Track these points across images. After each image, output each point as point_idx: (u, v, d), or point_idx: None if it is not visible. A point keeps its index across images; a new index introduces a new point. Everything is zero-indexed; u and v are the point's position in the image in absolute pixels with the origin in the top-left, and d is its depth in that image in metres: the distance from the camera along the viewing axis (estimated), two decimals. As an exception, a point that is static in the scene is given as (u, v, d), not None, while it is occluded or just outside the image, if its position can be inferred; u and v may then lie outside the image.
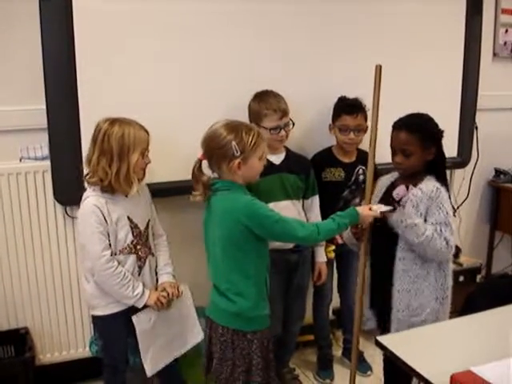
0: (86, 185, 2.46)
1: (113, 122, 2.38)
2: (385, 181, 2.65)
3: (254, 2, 2.97)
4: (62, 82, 2.69)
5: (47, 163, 2.80)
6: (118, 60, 2.76)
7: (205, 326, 2.48)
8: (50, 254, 2.93)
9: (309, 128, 3.18)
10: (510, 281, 2.69)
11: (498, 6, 3.89)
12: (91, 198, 2.39)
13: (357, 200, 3.13)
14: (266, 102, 2.82)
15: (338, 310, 3.47)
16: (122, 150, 2.35)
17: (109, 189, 2.39)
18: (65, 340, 3.06)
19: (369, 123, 2.96)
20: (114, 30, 2.73)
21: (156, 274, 2.65)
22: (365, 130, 3.05)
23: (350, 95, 3.07)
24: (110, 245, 2.41)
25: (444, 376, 1.54)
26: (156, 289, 2.59)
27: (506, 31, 3.94)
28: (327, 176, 3.09)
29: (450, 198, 2.48)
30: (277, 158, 2.91)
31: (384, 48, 3.26)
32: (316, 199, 3.04)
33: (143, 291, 2.47)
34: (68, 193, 2.80)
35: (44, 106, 2.70)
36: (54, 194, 2.83)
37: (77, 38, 2.66)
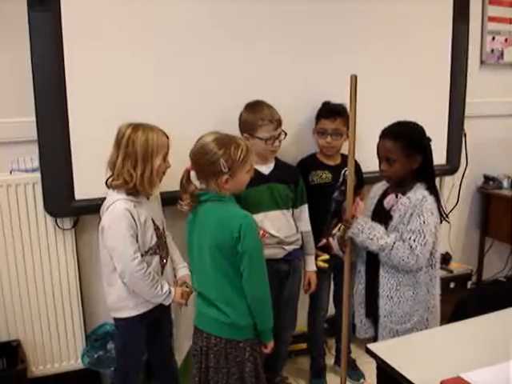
0: (108, 189, 2.47)
1: (136, 127, 2.45)
2: (377, 190, 2.67)
3: (240, 10, 2.99)
4: (52, 94, 2.69)
5: (37, 175, 2.79)
6: (108, 72, 2.76)
7: (193, 336, 2.46)
8: (41, 265, 2.91)
9: (297, 135, 3.20)
10: (501, 287, 2.70)
11: (484, 13, 3.92)
12: (120, 201, 2.42)
13: None
14: (260, 113, 2.84)
15: (331, 319, 3.47)
16: (146, 153, 2.42)
17: (133, 191, 2.44)
18: (57, 352, 3.04)
19: (357, 130, 3.00)
20: (103, 41, 2.74)
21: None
22: (347, 135, 3.08)
23: (338, 101, 3.08)
24: (138, 247, 2.46)
25: (434, 382, 1.55)
26: (175, 283, 2.69)
27: (493, 39, 3.98)
28: (314, 179, 3.11)
29: (440, 206, 2.49)
30: (266, 168, 2.92)
31: (371, 55, 3.29)
32: (305, 208, 3.05)
33: (170, 289, 2.55)
34: (58, 205, 2.81)
35: (34, 119, 2.70)
36: (45, 205, 2.82)
37: (66, 50, 2.66)
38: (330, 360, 3.51)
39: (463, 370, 1.59)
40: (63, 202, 2.78)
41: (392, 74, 3.36)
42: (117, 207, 2.41)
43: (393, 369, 1.70)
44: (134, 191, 2.44)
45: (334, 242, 3.06)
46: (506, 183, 4.03)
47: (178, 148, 2.49)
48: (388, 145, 2.47)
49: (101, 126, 2.47)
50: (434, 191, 2.47)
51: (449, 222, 2.58)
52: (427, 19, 3.47)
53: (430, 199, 2.41)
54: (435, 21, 3.52)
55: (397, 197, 2.49)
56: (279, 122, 2.84)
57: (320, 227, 3.11)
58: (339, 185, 3.12)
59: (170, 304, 2.64)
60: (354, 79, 2.54)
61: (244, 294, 2.30)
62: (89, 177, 2.62)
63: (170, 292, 2.54)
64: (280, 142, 2.87)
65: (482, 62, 3.99)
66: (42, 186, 2.79)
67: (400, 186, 2.51)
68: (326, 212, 3.12)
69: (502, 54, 4.03)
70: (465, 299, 2.49)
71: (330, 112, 3.06)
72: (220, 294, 2.32)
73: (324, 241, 3.12)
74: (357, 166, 3.19)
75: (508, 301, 2.14)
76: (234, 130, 2.88)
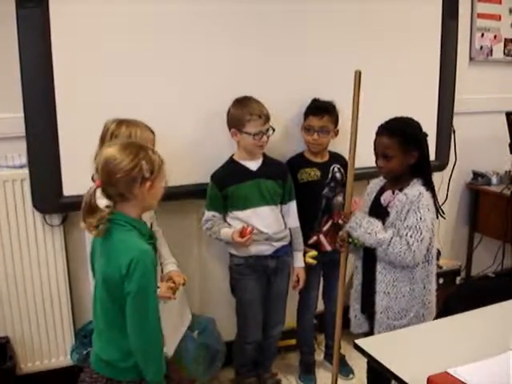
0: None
1: (120, 122, 2.43)
2: (374, 186, 2.68)
3: (230, 8, 2.97)
4: (40, 90, 2.67)
5: (25, 171, 2.78)
6: (97, 68, 2.75)
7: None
8: (29, 262, 2.90)
9: (286, 131, 3.20)
10: (489, 283, 2.71)
11: (473, 10, 3.93)
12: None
13: (339, 198, 3.15)
14: (248, 108, 2.83)
15: (320, 315, 3.48)
16: None
17: None
18: (46, 349, 3.03)
19: (346, 127, 3.01)
20: (92, 38, 2.72)
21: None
22: (335, 133, 3.11)
23: (327, 98, 3.10)
24: None
25: (422, 378, 1.55)
26: (161, 279, 2.61)
27: (482, 35, 3.99)
28: (303, 177, 3.11)
29: (436, 201, 2.51)
30: (254, 164, 2.93)
31: (360, 53, 3.28)
32: (293, 204, 3.05)
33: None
34: (47, 201, 2.79)
35: (22, 115, 2.69)
36: (33, 202, 2.81)
37: (54, 46, 2.65)
38: (319, 356, 3.53)
39: (451, 365, 1.59)
40: (51, 199, 2.77)
41: (381, 72, 3.35)
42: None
43: (380, 364, 1.71)
44: None
45: (324, 239, 3.09)
46: (494, 179, 4.05)
47: (168, 145, 2.49)
48: (385, 141, 2.49)
49: (89, 122, 2.46)
50: (430, 187, 2.49)
51: (445, 218, 2.59)
52: (416, 16, 3.47)
53: (427, 195, 2.43)
54: (424, 18, 3.52)
55: (393, 193, 2.51)
56: (267, 118, 2.84)
57: (310, 224, 3.13)
58: (328, 181, 3.12)
59: None
60: (357, 75, 2.57)
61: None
62: (77, 173, 2.60)
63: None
64: (268, 137, 2.86)
65: (471, 59, 4.00)
66: (30, 183, 2.77)
67: (397, 181, 2.53)
68: (316, 209, 3.12)
69: (491, 51, 4.04)
70: (453, 295, 2.50)
71: (318, 109, 3.06)
72: (103, 330, 2.07)
73: (314, 238, 3.14)
74: (344, 163, 3.20)
75: (496, 296, 2.15)
76: (223, 126, 2.89)
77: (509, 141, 3.81)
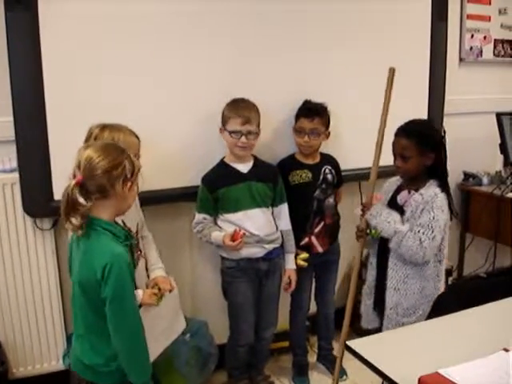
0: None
1: (104, 127, 2.40)
2: (390, 185, 2.77)
3: (224, 10, 2.97)
4: (30, 94, 2.66)
5: (16, 175, 2.76)
6: (87, 71, 2.74)
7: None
8: (20, 266, 2.88)
9: (278, 133, 3.20)
10: (480, 283, 2.73)
11: (463, 11, 3.94)
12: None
13: (330, 199, 3.17)
14: (232, 106, 2.85)
15: (313, 317, 3.48)
16: None
17: None
18: (38, 353, 3.02)
19: (337, 129, 3.03)
20: (82, 40, 2.71)
21: (147, 271, 2.65)
22: (326, 135, 3.11)
23: (320, 100, 3.10)
24: None
25: (413, 378, 1.55)
26: (146, 285, 2.56)
27: (472, 36, 4.00)
28: (294, 179, 3.10)
29: (451, 203, 2.59)
30: (244, 167, 2.93)
31: (352, 55, 3.30)
32: (285, 207, 3.05)
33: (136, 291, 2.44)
34: (37, 205, 2.78)
35: (11, 118, 2.67)
36: (23, 206, 2.79)
37: (43, 49, 2.64)
38: (312, 357, 3.52)
39: (442, 365, 1.59)
40: (42, 203, 2.76)
41: (371, 73, 3.35)
42: None
43: (372, 365, 1.71)
44: None
45: (315, 241, 3.10)
46: (485, 180, 4.05)
47: (159, 147, 2.48)
48: (402, 142, 2.57)
49: (79, 125, 2.43)
50: (445, 189, 2.58)
51: (457, 219, 2.64)
52: (406, 17, 3.48)
53: (442, 196, 2.52)
54: (414, 18, 3.53)
55: (409, 193, 2.60)
56: (247, 119, 2.81)
57: (302, 226, 3.12)
58: (320, 183, 3.12)
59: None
60: (392, 72, 2.66)
61: (110, 339, 1.99)
62: (67, 177, 2.59)
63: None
64: (248, 140, 2.83)
65: (461, 60, 4.02)
66: (21, 186, 2.76)
67: (413, 182, 2.62)
68: (308, 211, 3.12)
69: (480, 52, 4.06)
70: (444, 295, 2.51)
71: (309, 111, 3.06)
72: (84, 336, 2.06)
73: (306, 239, 3.14)
74: (335, 164, 3.22)
75: (488, 296, 2.15)
76: (215, 129, 2.89)
77: (499, 141, 3.83)
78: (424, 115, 3.56)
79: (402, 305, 2.59)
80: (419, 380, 1.53)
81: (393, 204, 2.67)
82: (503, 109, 3.91)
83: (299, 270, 3.13)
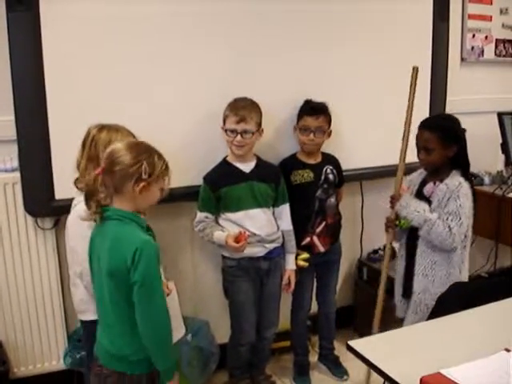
0: (75, 190, 2.43)
1: (101, 128, 2.40)
2: (414, 179, 2.88)
3: (223, 10, 2.97)
4: (31, 93, 2.67)
5: (17, 175, 2.77)
6: (88, 71, 2.74)
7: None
8: (21, 265, 2.89)
9: (279, 132, 3.20)
10: (481, 283, 2.74)
11: (464, 11, 3.93)
12: (82, 204, 2.37)
13: (332, 199, 3.17)
14: (231, 105, 2.86)
15: (314, 316, 3.48)
16: None
17: None
18: (39, 353, 3.02)
19: (338, 128, 3.02)
20: (84, 40, 2.72)
21: None
22: (329, 134, 3.12)
23: (320, 99, 3.10)
24: None
25: (415, 379, 1.55)
26: None
27: (473, 36, 4.00)
28: (296, 179, 3.10)
29: (474, 192, 2.71)
30: (246, 167, 2.93)
31: (352, 54, 3.31)
32: (286, 207, 3.05)
33: None
34: (39, 204, 2.79)
35: (13, 118, 2.68)
36: (25, 205, 2.80)
37: (45, 48, 2.64)
38: (313, 357, 3.52)
39: (444, 366, 1.59)
40: (43, 202, 2.76)
41: (373, 73, 3.37)
42: (78, 208, 2.36)
43: (373, 365, 1.70)
44: None
45: (317, 241, 3.10)
46: (487, 179, 4.04)
47: (161, 147, 2.46)
48: (426, 135, 2.69)
49: (81, 125, 2.43)
50: (468, 178, 2.72)
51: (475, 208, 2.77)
52: (408, 17, 3.48)
53: (466, 185, 2.65)
54: (415, 18, 3.53)
55: (435, 184, 2.71)
56: (243, 118, 2.81)
57: (304, 226, 3.12)
58: (321, 183, 3.12)
59: None
60: (415, 70, 2.81)
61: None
62: (69, 176, 2.57)
63: None
64: (244, 139, 2.83)
65: (462, 60, 4.01)
66: (22, 186, 2.76)
67: (437, 173, 2.74)
68: (310, 211, 3.12)
69: (482, 52, 4.05)
70: (446, 295, 2.51)
71: (314, 110, 3.07)
72: (114, 325, 2.08)
73: (308, 239, 3.14)
74: (337, 164, 3.22)
75: (488, 297, 2.15)
76: (217, 128, 2.89)
77: (501, 141, 3.82)
78: (425, 115, 3.54)
79: (430, 290, 2.71)
80: (421, 380, 1.53)
81: (419, 197, 2.78)
82: (504, 108, 3.90)
83: (300, 269, 3.13)
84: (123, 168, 1.97)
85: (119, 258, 1.96)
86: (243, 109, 2.83)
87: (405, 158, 2.85)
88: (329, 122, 3.10)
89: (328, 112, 3.10)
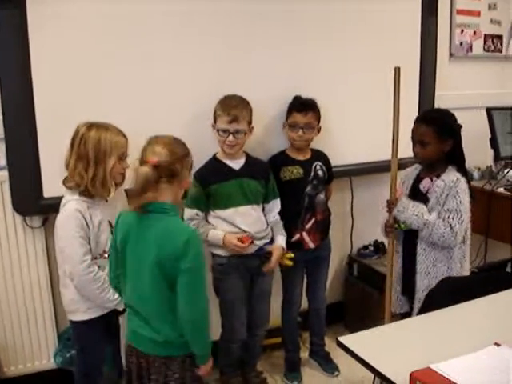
0: (64, 189, 2.42)
1: (90, 126, 2.38)
2: (408, 175, 2.88)
3: (213, 8, 2.96)
4: (19, 92, 2.65)
5: (5, 173, 2.75)
6: (77, 70, 2.72)
7: (126, 353, 2.28)
8: (10, 264, 2.88)
9: (269, 129, 3.20)
10: (470, 278, 2.74)
11: (453, 6, 3.95)
12: (73, 202, 2.37)
13: (321, 196, 3.16)
14: (222, 104, 2.84)
15: (305, 313, 3.48)
16: (98, 154, 2.34)
17: (86, 193, 2.37)
18: (29, 352, 3.01)
19: (327, 124, 3.02)
20: (72, 39, 2.70)
21: None
22: (318, 130, 3.13)
23: (309, 95, 3.10)
24: (90, 249, 2.40)
25: (404, 374, 1.55)
26: None
27: (462, 31, 4.01)
28: (286, 175, 3.10)
29: (470, 187, 2.72)
30: (236, 164, 2.92)
31: (341, 51, 3.32)
32: (277, 202, 3.05)
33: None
34: (27, 203, 2.77)
35: (0, 116, 2.67)
36: (13, 204, 2.79)
37: (32, 46, 2.62)
38: (304, 353, 3.52)
39: (433, 361, 1.59)
40: (32, 200, 2.75)
41: (361, 69, 3.37)
42: (67, 208, 2.37)
43: (363, 361, 1.70)
44: (87, 193, 2.37)
45: (307, 237, 3.10)
46: (476, 174, 4.05)
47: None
48: (421, 129, 2.71)
49: (69, 124, 2.41)
50: (464, 173, 2.71)
51: (474, 203, 2.79)
52: (396, 13, 3.48)
53: (463, 180, 2.67)
54: (404, 14, 3.54)
55: (431, 180, 2.71)
56: (235, 118, 2.80)
57: (293, 222, 3.12)
58: (311, 179, 3.12)
59: None
60: (397, 71, 2.77)
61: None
62: (57, 174, 2.56)
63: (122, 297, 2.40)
64: (236, 138, 2.82)
65: (451, 55, 4.02)
66: (10, 184, 2.75)
67: (433, 168, 2.76)
68: (299, 207, 3.12)
69: (470, 47, 4.07)
70: (435, 290, 2.52)
71: (303, 106, 3.06)
72: (156, 312, 2.15)
73: (297, 236, 3.13)
74: (326, 160, 3.22)
75: (478, 291, 2.15)
76: (207, 125, 2.88)
77: (490, 136, 3.84)
78: (414, 110, 3.55)
79: (433, 287, 2.68)
80: (411, 375, 1.53)
81: (415, 193, 2.78)
82: (493, 104, 3.92)
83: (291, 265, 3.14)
84: (183, 155, 2.13)
85: (170, 247, 2.05)
86: (235, 108, 2.81)
87: (397, 161, 2.81)
88: (318, 118, 3.10)
89: (317, 108, 3.10)
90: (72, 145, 2.38)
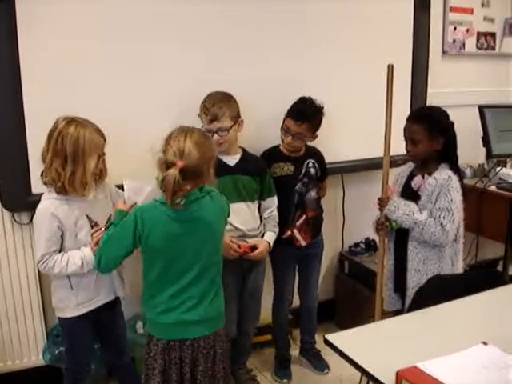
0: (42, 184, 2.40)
1: (69, 122, 2.32)
2: (402, 173, 2.88)
3: (202, 7, 2.96)
4: (6, 87, 2.64)
5: (-7, 170, 2.74)
6: (66, 67, 2.71)
7: (164, 351, 2.26)
8: (-2, 261, 2.87)
9: (264, 125, 3.18)
10: (459, 276, 2.73)
11: (446, 3, 3.94)
12: (48, 201, 2.35)
13: (312, 193, 3.15)
14: (203, 103, 2.84)
15: (296, 310, 3.47)
16: (76, 153, 2.28)
17: (62, 190, 2.32)
18: (17, 349, 3.00)
19: (324, 125, 3.01)
20: (60, 37, 2.69)
21: None
22: (313, 137, 3.09)
23: (306, 92, 3.06)
24: (60, 250, 2.38)
25: (391, 372, 1.54)
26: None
27: (455, 29, 4.00)
28: (276, 171, 3.08)
29: (463, 185, 2.71)
30: (231, 159, 2.90)
31: (333, 48, 3.32)
32: (274, 200, 3.03)
33: (82, 253, 2.38)
34: (15, 199, 2.77)
35: (-12, 112, 2.65)
36: (1, 200, 2.78)
37: (21, 42, 2.61)
38: (294, 351, 3.52)
39: (420, 359, 1.58)
40: (20, 197, 2.74)
41: (355, 66, 3.37)
42: (39, 208, 2.36)
43: (350, 359, 1.70)
44: (63, 190, 2.32)
45: (298, 234, 3.09)
46: (468, 172, 4.05)
47: (142, 142, 2.44)
48: (412, 127, 2.71)
49: (57, 117, 2.41)
50: (457, 171, 2.69)
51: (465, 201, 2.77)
52: (388, 10, 3.48)
53: (455, 178, 2.66)
54: (396, 11, 3.54)
55: (423, 177, 2.71)
56: (215, 117, 2.77)
57: (284, 219, 3.10)
58: (302, 177, 3.11)
59: (120, 304, 2.65)
60: (390, 68, 2.78)
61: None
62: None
63: (83, 255, 2.36)
64: (221, 136, 2.80)
65: (443, 53, 4.02)
66: (-2, 181, 2.74)
67: (425, 166, 2.75)
68: (289, 204, 3.11)
69: (463, 45, 4.07)
70: (424, 288, 2.51)
71: (299, 115, 2.99)
72: (210, 287, 2.31)
73: (288, 233, 3.12)
74: (320, 158, 3.20)
75: (468, 290, 2.15)
76: (198, 122, 2.86)
77: (482, 134, 3.83)
78: (407, 108, 3.55)
79: (422, 285, 2.66)
80: (397, 374, 1.52)
81: (407, 190, 2.78)
82: (486, 102, 3.92)
83: (282, 263, 3.14)
84: (211, 156, 2.20)
85: (222, 213, 2.36)
86: (213, 106, 2.78)
87: (389, 159, 2.82)
88: (313, 128, 3.04)
89: (315, 118, 3.02)
90: (49, 138, 2.32)
